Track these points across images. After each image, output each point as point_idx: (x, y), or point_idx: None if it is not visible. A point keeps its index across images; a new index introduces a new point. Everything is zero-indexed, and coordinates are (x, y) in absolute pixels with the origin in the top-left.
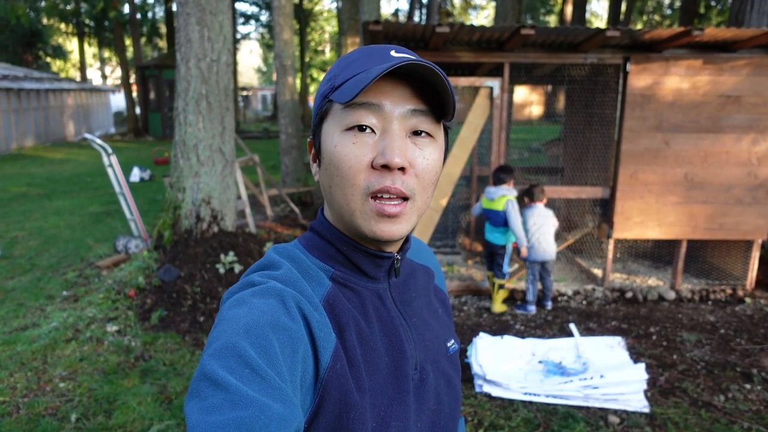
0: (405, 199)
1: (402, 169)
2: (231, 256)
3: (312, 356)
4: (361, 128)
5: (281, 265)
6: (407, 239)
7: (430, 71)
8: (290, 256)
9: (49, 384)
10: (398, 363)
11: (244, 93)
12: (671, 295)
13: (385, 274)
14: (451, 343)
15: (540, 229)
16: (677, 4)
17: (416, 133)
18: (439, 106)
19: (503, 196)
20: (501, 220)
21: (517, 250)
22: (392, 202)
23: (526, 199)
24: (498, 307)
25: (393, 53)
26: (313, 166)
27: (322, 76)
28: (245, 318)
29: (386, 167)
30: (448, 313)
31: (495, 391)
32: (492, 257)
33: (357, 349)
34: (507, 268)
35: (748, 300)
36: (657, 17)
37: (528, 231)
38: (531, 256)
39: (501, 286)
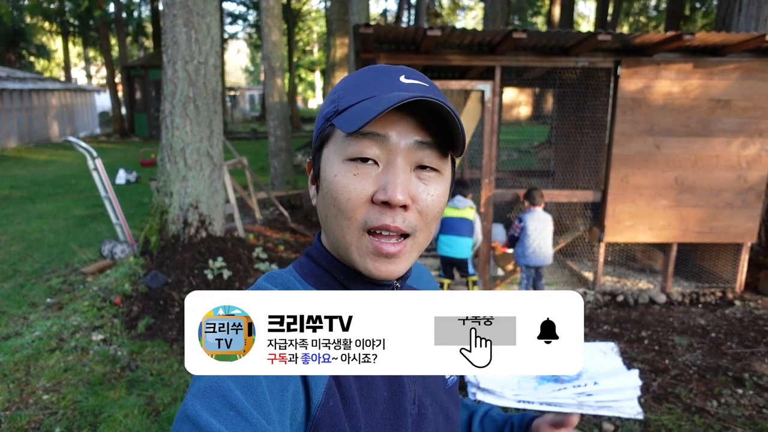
0: (405, 235)
1: (404, 206)
2: (219, 262)
3: (303, 394)
4: (364, 159)
5: None
6: None
7: (440, 104)
8: (284, 284)
9: (32, 396)
10: (396, 398)
11: (232, 93)
12: (662, 298)
13: None
14: (450, 375)
15: (540, 234)
16: (663, 5)
17: (421, 166)
18: (447, 139)
19: (470, 207)
20: (469, 229)
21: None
22: (391, 240)
23: (526, 202)
24: None
25: (403, 79)
26: (311, 188)
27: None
28: None
29: (387, 204)
30: None
31: (489, 399)
32: (458, 268)
33: (353, 384)
34: (472, 268)
35: (737, 303)
36: (643, 18)
37: (528, 236)
38: (531, 261)
39: (475, 282)
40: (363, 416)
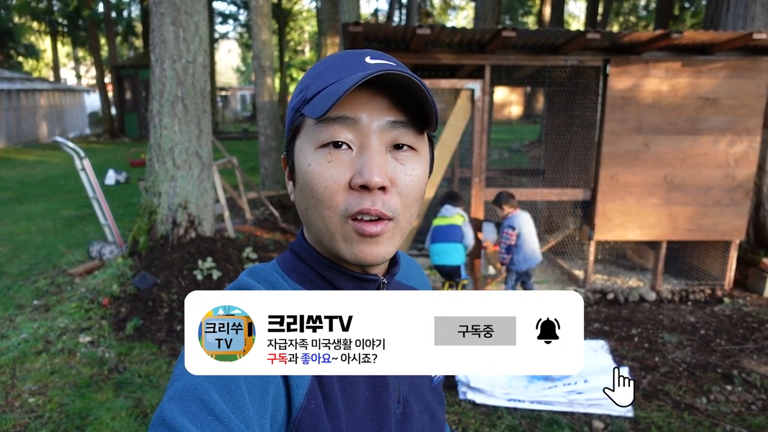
0: (387, 219)
1: (383, 188)
2: (209, 262)
3: (284, 395)
4: (337, 144)
5: (255, 289)
6: (395, 261)
7: (408, 79)
8: (267, 279)
9: (18, 399)
10: (379, 397)
11: (223, 93)
12: (652, 296)
13: None
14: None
15: (532, 236)
16: (652, 5)
17: (397, 146)
18: (421, 116)
19: (459, 215)
20: (458, 235)
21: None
22: (372, 221)
23: (506, 207)
24: None
25: (368, 60)
26: (288, 184)
27: (301, 76)
28: None
29: (365, 187)
30: None
31: (479, 398)
32: (451, 277)
33: (335, 384)
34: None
35: (726, 300)
36: (633, 18)
37: (526, 242)
38: (531, 263)
39: (465, 286)
40: (345, 417)
